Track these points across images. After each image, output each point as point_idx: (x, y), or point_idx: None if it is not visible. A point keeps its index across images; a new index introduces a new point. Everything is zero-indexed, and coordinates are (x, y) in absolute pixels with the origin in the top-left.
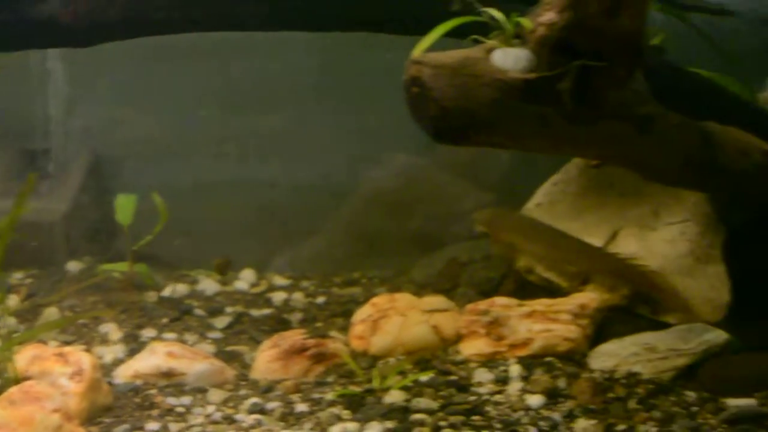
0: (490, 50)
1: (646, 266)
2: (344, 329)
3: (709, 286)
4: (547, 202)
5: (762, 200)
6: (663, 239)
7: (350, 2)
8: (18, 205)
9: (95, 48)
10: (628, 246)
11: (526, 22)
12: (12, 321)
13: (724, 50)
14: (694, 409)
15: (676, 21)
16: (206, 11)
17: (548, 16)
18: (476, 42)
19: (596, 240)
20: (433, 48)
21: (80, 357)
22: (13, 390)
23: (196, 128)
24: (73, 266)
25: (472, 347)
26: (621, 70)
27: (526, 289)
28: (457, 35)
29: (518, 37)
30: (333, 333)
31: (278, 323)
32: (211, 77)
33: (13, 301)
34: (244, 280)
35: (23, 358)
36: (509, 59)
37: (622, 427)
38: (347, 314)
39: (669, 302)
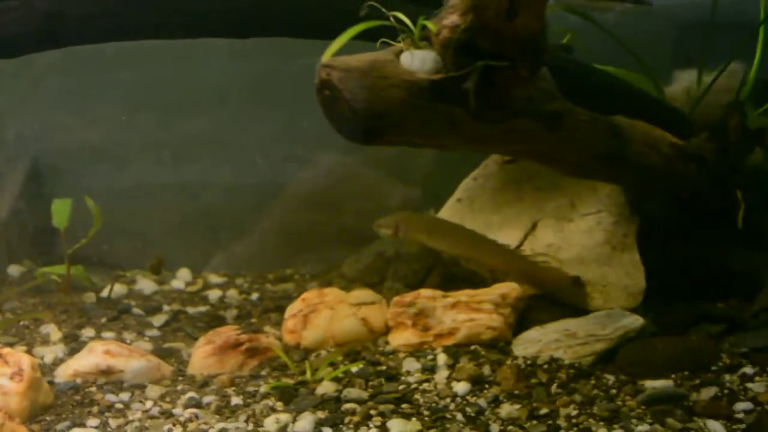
0: (398, 53)
1: (547, 262)
2: (278, 324)
3: (624, 274)
4: (467, 198)
5: (672, 190)
6: (580, 230)
7: (265, 10)
8: None
9: (26, 59)
10: (547, 237)
11: (431, 25)
12: None
13: (628, 46)
14: (613, 391)
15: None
16: (129, 20)
17: (451, 19)
18: (385, 45)
19: (516, 232)
20: (347, 52)
21: (20, 358)
22: None
23: (130, 133)
24: (13, 270)
25: (400, 338)
26: (523, 69)
27: (451, 281)
28: (368, 38)
29: (425, 40)
30: (267, 328)
31: (214, 320)
32: (143, 84)
33: None
34: (181, 279)
35: None
36: (416, 61)
37: (545, 410)
38: (280, 310)
39: (569, 298)
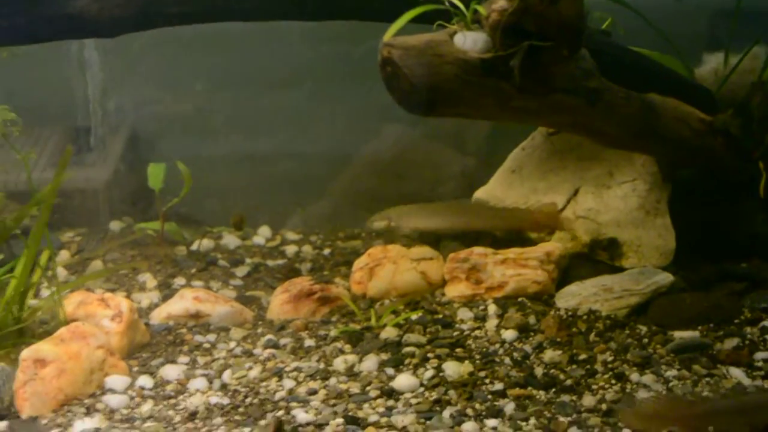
0: (452, 34)
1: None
2: (347, 277)
3: (657, 235)
4: (517, 166)
5: (699, 161)
6: (617, 196)
7: None
8: (58, 173)
9: (126, 39)
10: (587, 202)
11: (482, 9)
12: (63, 273)
13: (663, 32)
14: (645, 341)
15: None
16: (211, 4)
17: (500, 3)
18: (441, 27)
19: (560, 197)
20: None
21: (120, 301)
22: (63, 330)
23: (216, 107)
24: (115, 226)
25: (455, 290)
26: (564, 48)
27: (500, 241)
28: (424, 21)
29: (476, 23)
30: (337, 280)
31: (290, 272)
32: (228, 63)
33: (64, 255)
34: (262, 235)
35: (71, 303)
36: (468, 41)
37: (583, 356)
38: (349, 264)
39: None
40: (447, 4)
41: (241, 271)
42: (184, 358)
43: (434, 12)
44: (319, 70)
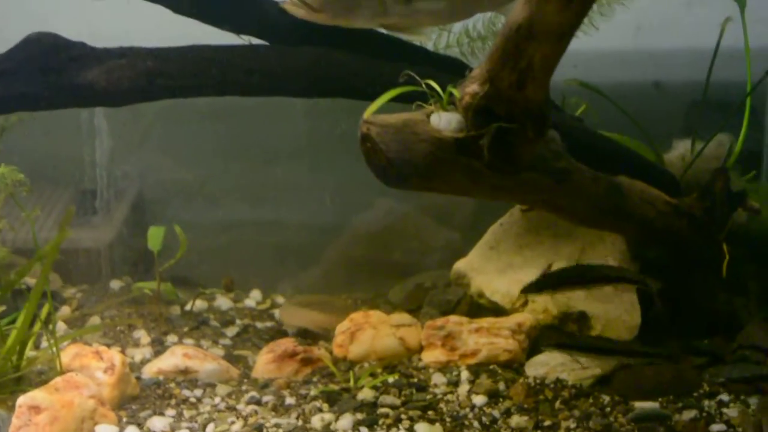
0: (428, 114)
1: None
2: (330, 340)
3: (624, 311)
4: (494, 240)
5: (665, 241)
6: None
7: (320, 76)
8: (60, 231)
9: (135, 109)
10: None
11: (456, 91)
12: (63, 326)
13: (634, 119)
14: (608, 409)
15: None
16: (213, 80)
17: (472, 87)
18: (420, 107)
19: (535, 270)
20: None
21: (113, 355)
22: (58, 379)
23: (220, 177)
24: (115, 284)
25: (431, 356)
26: (530, 130)
27: (477, 310)
28: (404, 101)
29: (452, 104)
30: (321, 342)
31: (277, 333)
32: (233, 136)
33: (65, 310)
34: (252, 298)
35: (67, 355)
36: (443, 121)
37: (548, 422)
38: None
39: None
40: (425, 86)
41: (230, 331)
42: (171, 411)
43: (413, 93)
44: (317, 145)
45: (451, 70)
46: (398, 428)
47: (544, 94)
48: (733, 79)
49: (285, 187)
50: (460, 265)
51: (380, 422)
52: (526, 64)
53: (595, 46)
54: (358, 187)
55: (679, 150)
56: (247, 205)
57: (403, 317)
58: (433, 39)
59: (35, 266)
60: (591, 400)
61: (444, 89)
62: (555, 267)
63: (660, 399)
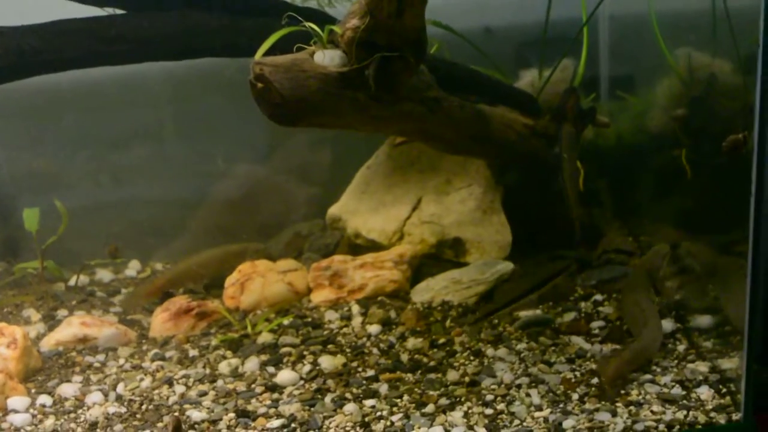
0: (311, 53)
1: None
2: (218, 296)
3: (495, 231)
4: (363, 183)
5: (525, 162)
6: (456, 201)
7: (194, 35)
8: None
9: None
10: (430, 209)
11: (337, 28)
12: None
13: (483, 51)
14: (495, 321)
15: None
16: (82, 52)
17: (352, 22)
18: (300, 48)
19: (405, 207)
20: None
21: (13, 330)
22: None
23: (82, 162)
24: None
25: (320, 296)
26: (410, 56)
27: (355, 249)
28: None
29: (331, 43)
30: (210, 298)
31: (165, 296)
32: (84, 121)
33: None
34: (132, 268)
35: None
36: (327, 58)
37: (443, 340)
38: (218, 284)
39: None
40: (307, 27)
41: (118, 300)
42: (78, 377)
43: (294, 34)
44: (170, 125)
45: (312, 19)
46: (303, 364)
47: (421, 20)
48: (559, 17)
49: (146, 167)
50: (334, 209)
51: (285, 360)
52: None
53: None
54: (211, 159)
55: (527, 79)
56: (108, 188)
57: (289, 263)
58: None
59: None
60: (478, 315)
61: (323, 29)
62: (424, 201)
63: (540, 306)
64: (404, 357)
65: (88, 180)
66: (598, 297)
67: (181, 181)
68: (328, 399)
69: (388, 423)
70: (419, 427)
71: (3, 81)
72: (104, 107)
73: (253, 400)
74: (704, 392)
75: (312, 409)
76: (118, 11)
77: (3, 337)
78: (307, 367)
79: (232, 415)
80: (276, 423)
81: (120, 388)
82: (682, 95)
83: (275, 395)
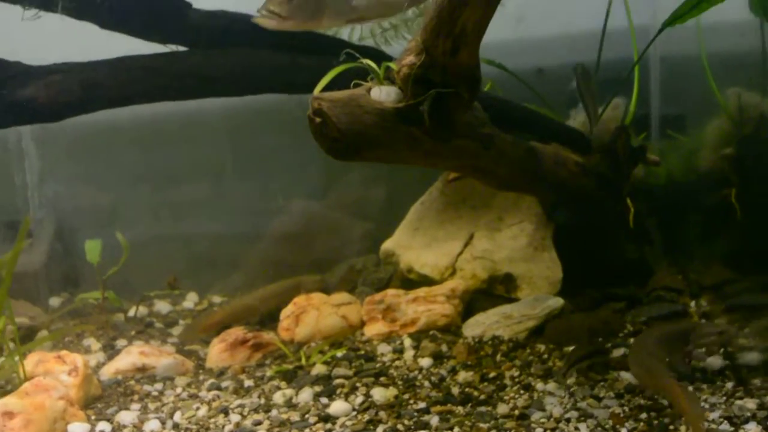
0: (368, 89)
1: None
2: (273, 329)
3: (545, 267)
4: (418, 219)
5: (577, 199)
6: (507, 237)
7: (267, 71)
8: (19, 240)
9: (51, 138)
10: (482, 245)
11: (394, 65)
12: (11, 344)
13: (536, 90)
14: (545, 356)
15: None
16: (148, 87)
17: (409, 59)
18: (358, 84)
19: (458, 242)
20: None
21: (75, 357)
22: (26, 385)
23: (146, 195)
24: (54, 301)
25: (373, 329)
26: (465, 93)
27: (408, 284)
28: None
29: (388, 79)
30: (265, 330)
31: (222, 328)
32: (146, 156)
33: (9, 330)
34: (190, 300)
35: (29, 363)
36: (383, 94)
37: (493, 374)
38: (274, 317)
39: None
40: (364, 64)
41: (176, 331)
42: (136, 405)
43: (354, 71)
44: (231, 161)
45: (369, 56)
46: (356, 395)
47: (475, 58)
48: (609, 58)
49: (206, 203)
50: (388, 244)
51: (338, 392)
52: (459, 30)
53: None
54: (269, 194)
55: (578, 118)
56: (169, 223)
57: (343, 296)
58: (347, 33)
59: None
60: (528, 350)
61: (380, 66)
62: (477, 236)
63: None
64: (455, 390)
65: (148, 214)
66: None
67: (239, 216)
68: (380, 430)
69: None
70: None
71: (69, 115)
72: (165, 143)
73: (307, 430)
74: (752, 428)
75: None
76: (181, 48)
77: (64, 364)
78: (360, 399)
79: None
80: None
81: (177, 416)
82: (731, 134)
83: (328, 426)
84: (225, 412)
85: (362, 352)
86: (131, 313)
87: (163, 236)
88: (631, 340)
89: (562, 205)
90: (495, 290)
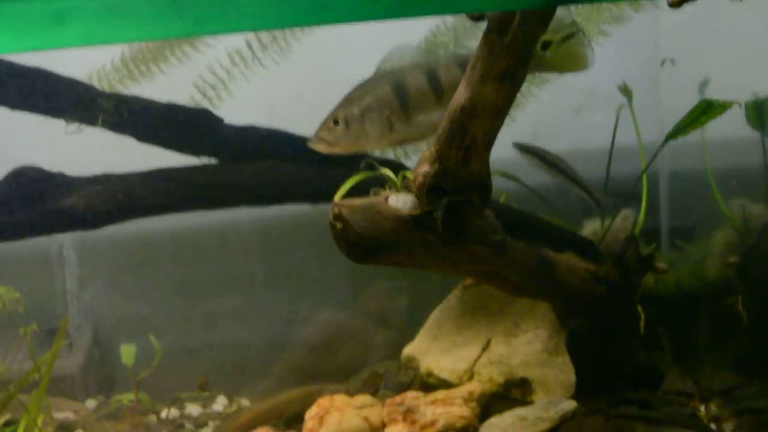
0: (386, 197)
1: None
2: (299, 428)
3: (559, 372)
4: (437, 325)
5: (588, 306)
6: (523, 342)
7: (293, 182)
8: (57, 342)
9: (88, 249)
10: (498, 350)
11: (410, 174)
12: None
13: (547, 200)
14: None
15: None
16: (180, 197)
17: (423, 168)
18: (376, 193)
19: (475, 347)
20: None
21: None
22: None
23: (178, 305)
24: (90, 403)
25: (394, 430)
26: (476, 199)
27: (428, 388)
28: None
29: (405, 187)
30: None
31: (250, 428)
32: (184, 269)
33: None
34: (219, 403)
35: None
36: (400, 201)
37: None
38: (299, 418)
39: None
40: (383, 173)
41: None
42: None
43: (373, 180)
44: (261, 271)
45: (389, 167)
46: None
47: (485, 167)
48: (619, 173)
49: (235, 314)
50: (408, 349)
51: None
52: (470, 140)
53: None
54: (296, 304)
55: (590, 228)
56: (200, 332)
57: (366, 398)
58: None
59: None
60: None
61: (397, 175)
62: (493, 342)
63: None
64: None
65: (182, 323)
66: None
67: (268, 325)
68: None
69: None
70: None
71: (107, 223)
72: (199, 255)
73: None
74: None
75: None
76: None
77: None
78: None
79: None
80: None
81: None
82: (737, 244)
83: None
84: None
85: None
86: (163, 414)
87: (195, 344)
88: None
89: (575, 312)
90: (511, 394)
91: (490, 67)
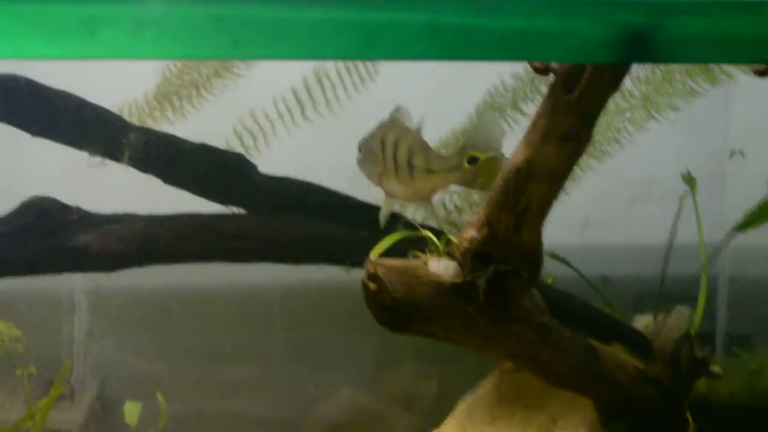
0: (426, 261)
1: None
2: None
3: None
4: (468, 411)
5: (635, 406)
6: None
7: (325, 240)
8: (56, 387)
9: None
10: None
11: (454, 239)
12: None
13: (602, 292)
14: None
15: None
16: (203, 246)
17: (470, 233)
18: (415, 257)
19: None
20: None
21: None
22: None
23: (184, 367)
24: None
25: None
26: (524, 272)
27: None
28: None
29: (448, 253)
30: None
31: None
32: (200, 331)
33: None
34: None
35: None
36: (441, 267)
37: None
38: None
39: None
40: (424, 235)
41: None
42: None
43: (408, 240)
44: (281, 341)
45: (429, 228)
46: None
47: (538, 237)
48: (677, 273)
49: (248, 383)
50: None
51: None
52: (524, 205)
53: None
54: (318, 380)
55: (641, 322)
56: (211, 397)
57: None
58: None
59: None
60: None
61: (439, 238)
62: None
63: None
64: None
65: (191, 388)
66: None
67: (283, 400)
68: None
69: None
70: None
71: (124, 266)
72: (217, 317)
73: None
74: None
75: None
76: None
77: None
78: None
79: None
80: None
81: None
82: None
83: None
84: None
85: None
86: None
87: (203, 411)
88: None
89: (619, 412)
90: None
91: (553, 126)
